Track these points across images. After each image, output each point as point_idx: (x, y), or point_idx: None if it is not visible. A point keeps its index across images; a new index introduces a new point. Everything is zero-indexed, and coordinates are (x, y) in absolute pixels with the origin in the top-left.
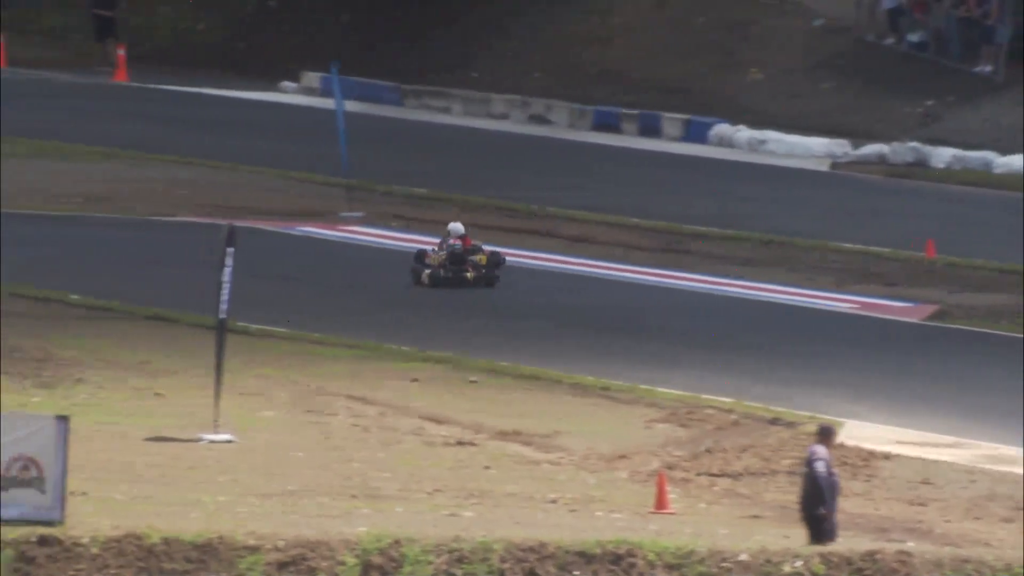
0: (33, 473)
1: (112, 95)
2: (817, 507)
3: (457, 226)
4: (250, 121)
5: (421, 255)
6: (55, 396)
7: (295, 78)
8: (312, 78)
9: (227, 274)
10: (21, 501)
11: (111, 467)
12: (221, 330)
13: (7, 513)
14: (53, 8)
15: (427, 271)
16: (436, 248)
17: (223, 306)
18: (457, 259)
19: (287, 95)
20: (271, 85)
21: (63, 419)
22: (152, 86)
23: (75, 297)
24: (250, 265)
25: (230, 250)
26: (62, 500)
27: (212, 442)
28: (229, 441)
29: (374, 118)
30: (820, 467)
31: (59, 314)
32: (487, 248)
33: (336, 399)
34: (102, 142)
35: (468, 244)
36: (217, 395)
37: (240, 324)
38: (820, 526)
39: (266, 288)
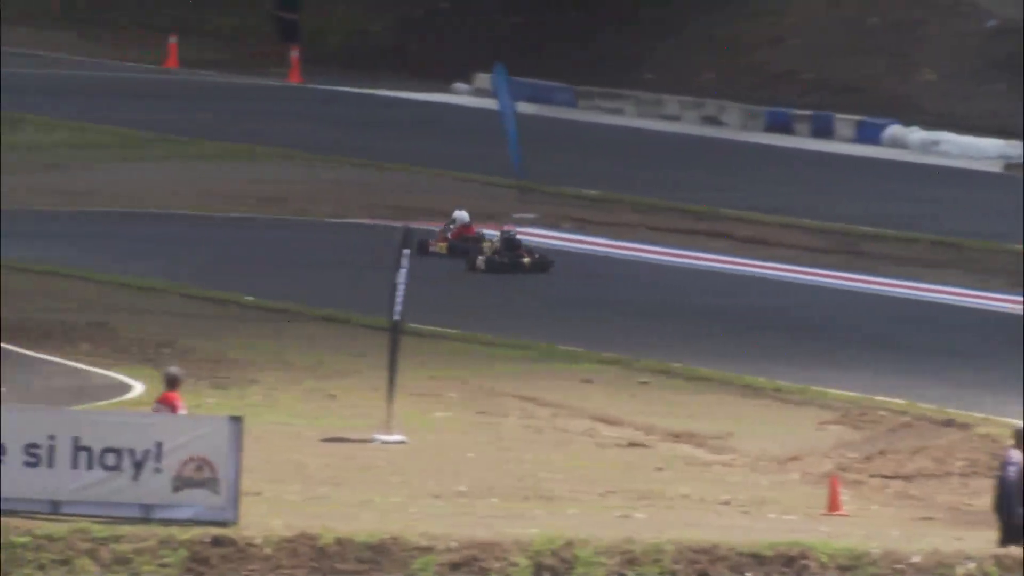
0: (207, 474)
1: (286, 97)
2: (1004, 511)
3: (463, 214)
4: (423, 122)
5: (424, 244)
6: (229, 397)
7: (467, 79)
8: (484, 79)
9: (402, 275)
10: (195, 501)
11: (284, 467)
12: (395, 331)
13: (181, 513)
14: (225, 9)
15: (481, 257)
16: (439, 235)
17: (397, 307)
18: (512, 244)
19: (460, 96)
20: (444, 86)
21: (237, 420)
22: (326, 87)
23: (249, 298)
24: (421, 266)
25: (406, 252)
26: (235, 500)
27: (385, 443)
28: (402, 442)
29: (547, 119)
30: (1008, 472)
31: (234, 315)
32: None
33: (508, 400)
34: (276, 143)
35: (472, 232)
36: (390, 396)
37: (412, 325)
38: (1012, 529)
39: (437, 289)
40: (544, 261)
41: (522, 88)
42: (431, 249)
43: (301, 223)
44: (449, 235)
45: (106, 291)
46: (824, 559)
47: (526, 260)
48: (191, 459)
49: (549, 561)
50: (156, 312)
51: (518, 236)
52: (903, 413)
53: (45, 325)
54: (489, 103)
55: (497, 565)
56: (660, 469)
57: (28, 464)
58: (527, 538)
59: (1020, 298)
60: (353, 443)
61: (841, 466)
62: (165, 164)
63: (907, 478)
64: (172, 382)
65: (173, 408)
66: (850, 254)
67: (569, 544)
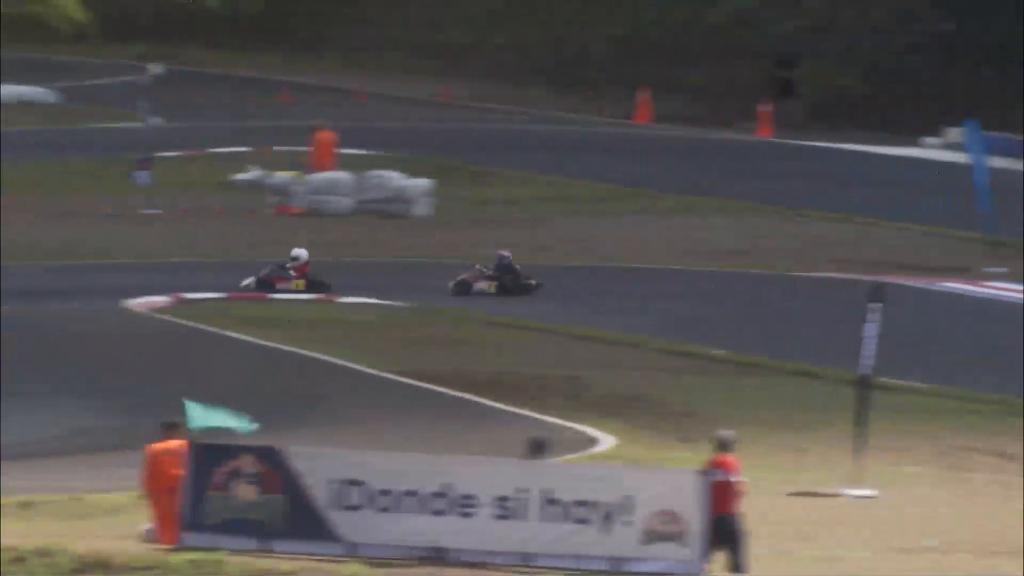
0: (676, 527)
1: (756, 151)
2: None
3: (302, 252)
4: (891, 176)
5: (272, 282)
6: (697, 451)
7: (937, 133)
8: (955, 133)
9: (871, 329)
10: (664, 555)
11: (752, 521)
12: (864, 385)
13: (650, 567)
14: (695, 65)
15: (488, 282)
16: (267, 274)
17: (866, 361)
18: (508, 269)
19: (929, 150)
20: (913, 140)
21: (705, 474)
22: (795, 142)
23: (719, 352)
24: (888, 320)
25: (876, 306)
26: (704, 554)
27: (855, 497)
28: (872, 496)
29: (1019, 173)
30: None
31: (703, 369)
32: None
33: (978, 455)
34: (745, 198)
35: (306, 270)
36: (859, 450)
37: (881, 380)
38: None
39: (906, 344)
40: (527, 285)
41: (994, 142)
42: (279, 287)
43: (767, 277)
44: (292, 273)
45: (580, 345)
46: None
47: (533, 283)
48: (659, 512)
49: None
50: (627, 366)
51: (511, 260)
52: None
53: (519, 379)
54: (958, 157)
55: None
56: None
57: (499, 516)
58: None
59: None
60: (822, 497)
61: None
62: (636, 218)
63: None
64: (721, 445)
65: (727, 471)
66: None
67: None
